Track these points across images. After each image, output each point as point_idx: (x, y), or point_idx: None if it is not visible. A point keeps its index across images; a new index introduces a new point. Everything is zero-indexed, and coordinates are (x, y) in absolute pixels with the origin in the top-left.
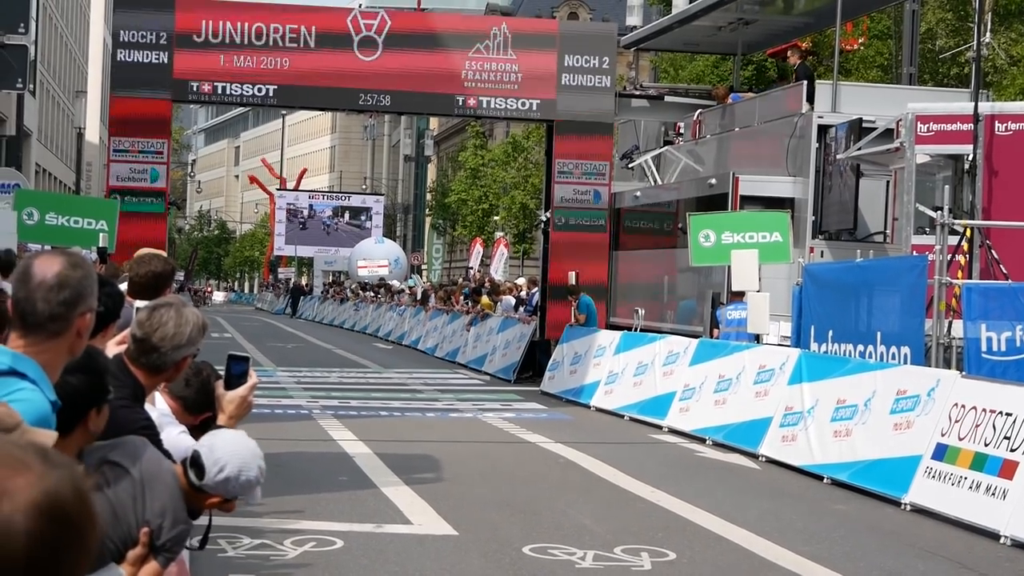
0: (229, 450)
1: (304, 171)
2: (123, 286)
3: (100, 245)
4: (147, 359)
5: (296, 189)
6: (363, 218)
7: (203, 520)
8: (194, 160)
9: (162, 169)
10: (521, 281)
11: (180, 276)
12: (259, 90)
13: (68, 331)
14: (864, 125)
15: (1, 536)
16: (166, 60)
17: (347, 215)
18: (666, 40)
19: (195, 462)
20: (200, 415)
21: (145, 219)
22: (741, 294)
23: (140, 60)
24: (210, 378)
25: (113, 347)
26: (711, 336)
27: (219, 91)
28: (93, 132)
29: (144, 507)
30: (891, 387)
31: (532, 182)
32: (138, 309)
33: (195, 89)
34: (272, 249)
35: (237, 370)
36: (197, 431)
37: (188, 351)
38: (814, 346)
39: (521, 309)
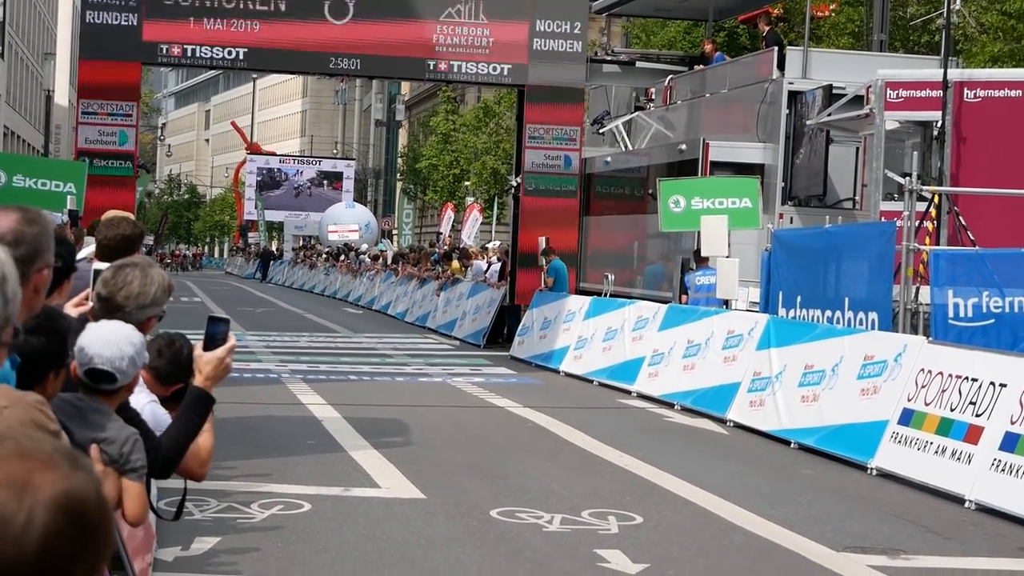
0: (95, 341)
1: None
2: (91, 248)
3: (69, 208)
4: (111, 318)
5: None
6: (332, 183)
7: (179, 484)
8: (164, 124)
9: (131, 132)
10: (493, 245)
11: (150, 241)
12: (229, 53)
13: (26, 287)
14: (834, 91)
15: (19, 527)
16: (135, 23)
17: (325, 183)
18: (638, 6)
19: (93, 374)
20: (172, 386)
21: (113, 182)
22: (707, 259)
23: (109, 22)
24: (182, 349)
25: (72, 309)
26: (680, 302)
27: (189, 54)
28: (62, 95)
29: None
30: (858, 352)
31: (503, 147)
32: (97, 271)
33: (164, 52)
34: (242, 214)
35: (215, 331)
36: (169, 402)
37: (153, 311)
38: (782, 312)
39: (489, 272)
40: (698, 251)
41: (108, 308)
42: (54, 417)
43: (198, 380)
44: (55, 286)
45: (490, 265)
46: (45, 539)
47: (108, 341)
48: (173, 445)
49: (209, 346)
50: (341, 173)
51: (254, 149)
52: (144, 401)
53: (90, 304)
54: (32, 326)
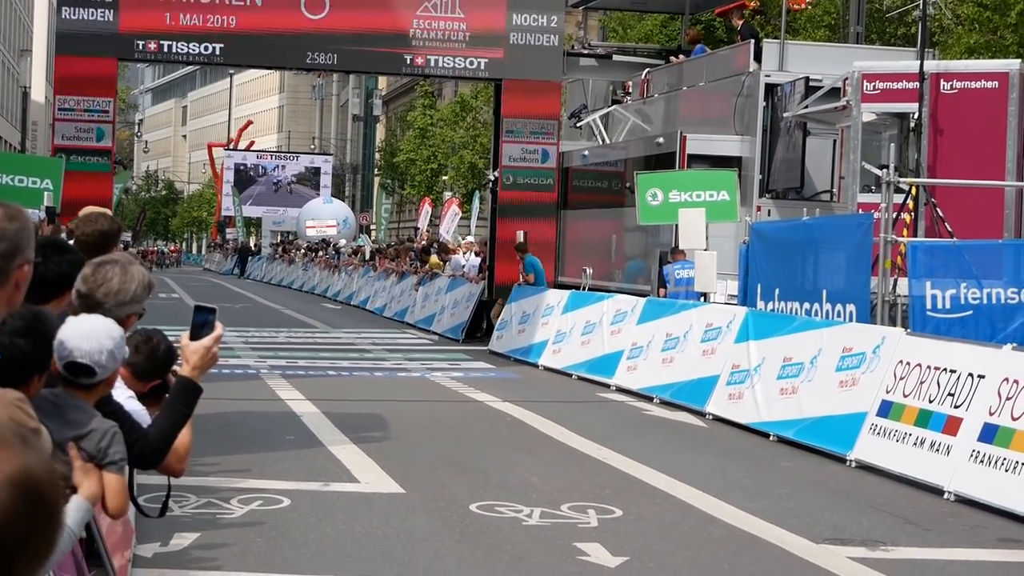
0: (75, 334)
1: (248, 123)
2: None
3: (47, 204)
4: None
5: (243, 148)
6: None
7: (162, 481)
8: (141, 120)
9: (108, 128)
10: (468, 240)
11: (127, 237)
12: (206, 48)
13: (6, 283)
14: (811, 84)
15: None
16: (112, 18)
17: (308, 183)
18: None
19: (72, 367)
20: (149, 382)
21: (91, 178)
22: (684, 252)
23: (85, 18)
24: (159, 345)
25: None
26: (659, 295)
27: (165, 50)
28: (39, 91)
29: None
30: (837, 345)
31: (481, 142)
32: None
33: (141, 48)
34: (220, 210)
35: (201, 320)
36: (146, 398)
37: (133, 308)
38: (761, 304)
39: (467, 267)
40: (676, 244)
41: (87, 305)
42: (34, 415)
43: (184, 370)
44: (55, 295)
45: (468, 260)
46: (3, 517)
47: (87, 335)
48: (160, 435)
49: (196, 335)
50: (319, 168)
51: (233, 144)
52: (122, 397)
53: None
54: (18, 327)
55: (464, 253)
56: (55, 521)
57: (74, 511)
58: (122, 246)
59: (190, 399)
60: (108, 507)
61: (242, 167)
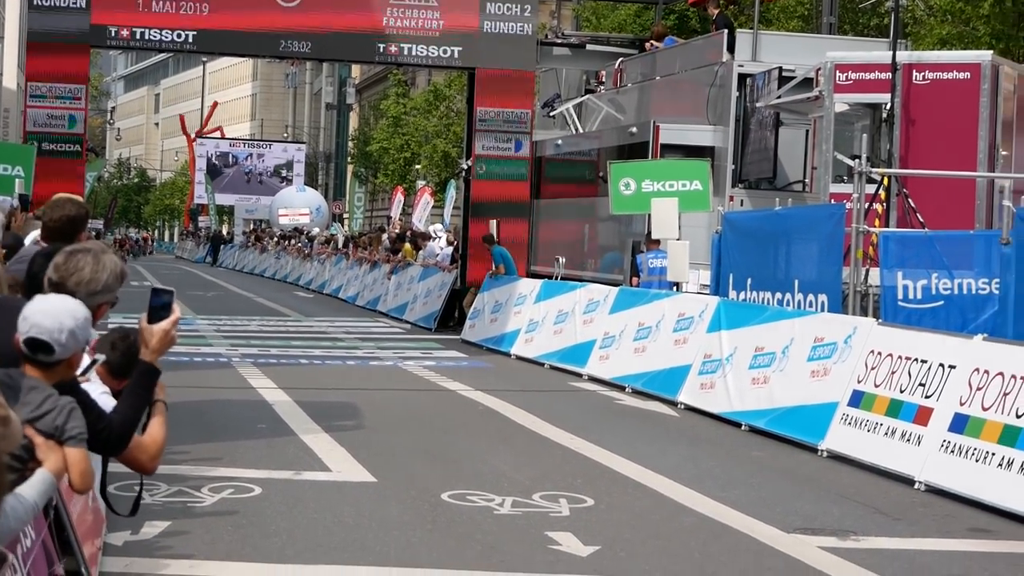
0: (36, 311)
1: (215, 105)
2: (36, 233)
3: (19, 192)
4: None
5: (212, 134)
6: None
7: (135, 477)
8: (114, 107)
9: (80, 115)
10: (435, 228)
11: (100, 224)
12: (178, 36)
13: None
14: (784, 74)
15: None
16: (84, 5)
17: (282, 173)
18: None
19: (31, 343)
20: (125, 379)
21: (62, 165)
22: (657, 241)
23: (57, 4)
24: (136, 343)
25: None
26: (631, 284)
27: (137, 37)
28: (10, 78)
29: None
30: (808, 334)
31: (454, 131)
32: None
33: (113, 35)
34: (192, 197)
35: (159, 302)
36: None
37: (105, 297)
38: (733, 294)
39: (440, 256)
40: (649, 233)
41: (59, 294)
42: (3, 402)
43: (143, 353)
44: None
45: (443, 249)
46: None
47: (49, 312)
48: (124, 420)
49: (153, 318)
50: (292, 157)
51: (203, 130)
52: (96, 393)
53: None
54: None
55: (436, 240)
56: None
57: (39, 483)
58: (94, 233)
59: (150, 383)
60: (73, 482)
61: (215, 155)
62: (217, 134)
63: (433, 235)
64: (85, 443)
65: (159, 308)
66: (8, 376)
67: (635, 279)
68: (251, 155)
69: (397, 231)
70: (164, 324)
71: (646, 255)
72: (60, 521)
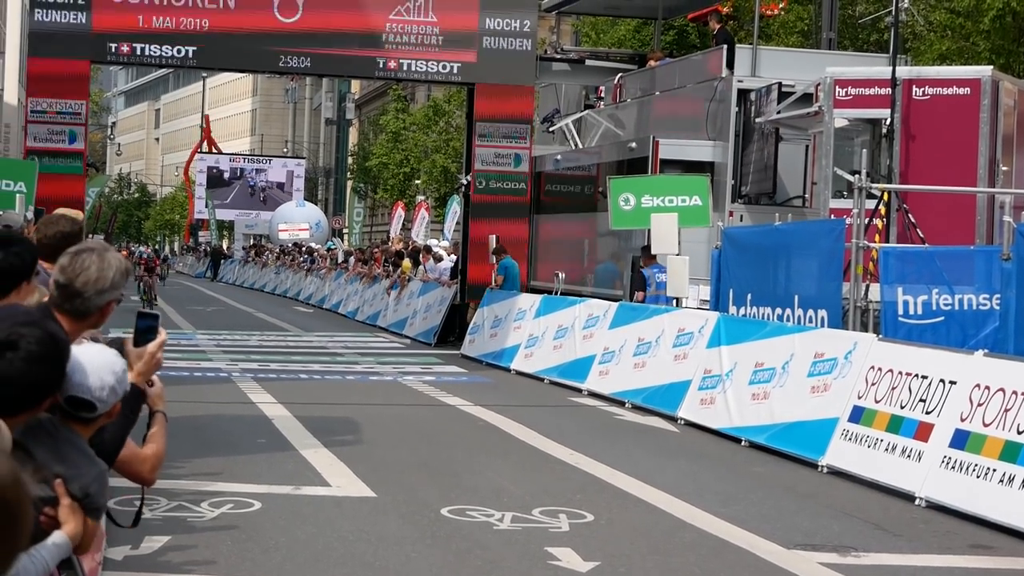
0: (79, 369)
1: (207, 118)
2: None
3: (31, 206)
4: (71, 305)
5: (207, 150)
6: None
7: (136, 490)
8: (114, 123)
9: (80, 131)
10: (445, 244)
11: (100, 238)
12: (178, 51)
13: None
14: (783, 89)
15: None
16: (84, 20)
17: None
18: (587, 4)
19: (73, 401)
20: None
21: (63, 180)
22: (654, 257)
23: (58, 20)
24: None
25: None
26: (632, 299)
27: (138, 52)
28: (11, 94)
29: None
30: (809, 350)
31: (453, 146)
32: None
33: (114, 50)
34: (192, 212)
35: (144, 325)
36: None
37: (112, 295)
38: (733, 309)
39: (440, 267)
40: (647, 248)
41: (67, 295)
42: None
43: (131, 376)
44: (12, 287)
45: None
46: None
47: (91, 370)
48: (112, 441)
49: (139, 341)
50: (292, 172)
51: (207, 139)
52: None
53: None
54: (35, 353)
55: (449, 255)
56: (18, 524)
57: (54, 547)
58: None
59: (136, 404)
60: (79, 546)
61: (215, 170)
62: (214, 150)
63: (444, 254)
64: (102, 519)
65: (144, 331)
66: (52, 424)
67: (640, 293)
68: (263, 170)
69: (396, 247)
70: (150, 347)
71: (652, 269)
72: None
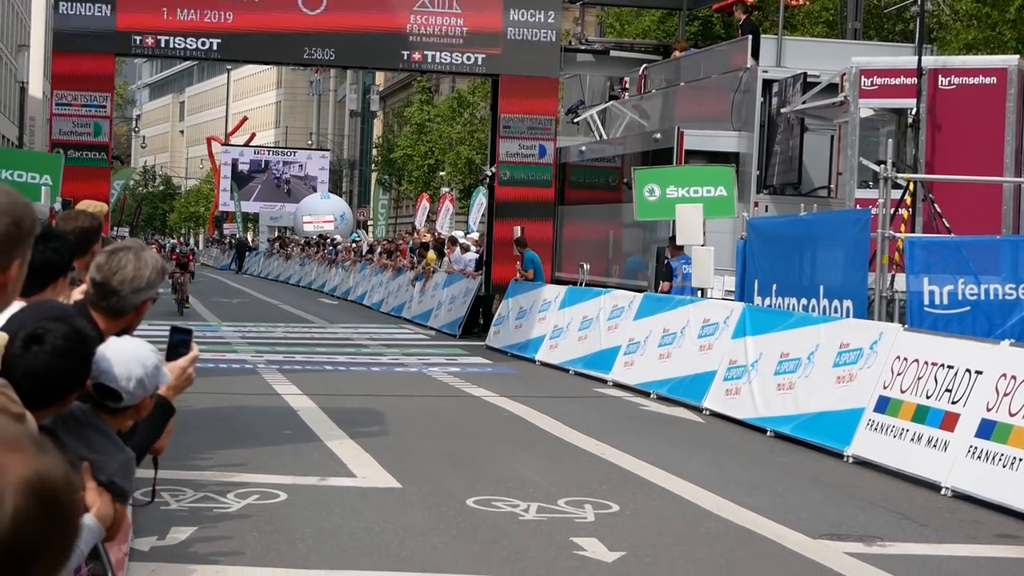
0: (107, 357)
1: (244, 119)
2: None
3: (58, 198)
4: (107, 303)
5: (241, 143)
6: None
7: (149, 473)
8: (139, 115)
9: (105, 124)
10: (473, 236)
11: (125, 232)
12: (203, 44)
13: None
14: (809, 79)
15: None
16: (109, 13)
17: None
18: None
19: (100, 389)
20: None
21: (88, 173)
22: (681, 248)
23: (83, 13)
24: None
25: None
26: (657, 290)
27: (162, 45)
28: (36, 86)
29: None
30: (834, 340)
31: (478, 137)
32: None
33: (138, 43)
34: (217, 205)
35: (177, 340)
36: None
37: (148, 294)
38: (758, 300)
39: (465, 258)
40: (674, 239)
41: (103, 293)
42: (18, 399)
43: (162, 390)
44: (49, 282)
45: (467, 255)
46: (15, 522)
47: (119, 360)
48: (136, 447)
49: (172, 356)
50: (316, 165)
51: (228, 139)
52: None
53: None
54: (61, 347)
55: (475, 249)
56: (72, 528)
57: (84, 530)
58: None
59: (163, 419)
60: (107, 530)
61: (241, 162)
62: (243, 140)
63: (470, 246)
64: (127, 505)
65: (178, 345)
66: (82, 412)
67: (667, 283)
68: (289, 163)
69: (423, 240)
70: (182, 362)
71: (679, 259)
72: None
